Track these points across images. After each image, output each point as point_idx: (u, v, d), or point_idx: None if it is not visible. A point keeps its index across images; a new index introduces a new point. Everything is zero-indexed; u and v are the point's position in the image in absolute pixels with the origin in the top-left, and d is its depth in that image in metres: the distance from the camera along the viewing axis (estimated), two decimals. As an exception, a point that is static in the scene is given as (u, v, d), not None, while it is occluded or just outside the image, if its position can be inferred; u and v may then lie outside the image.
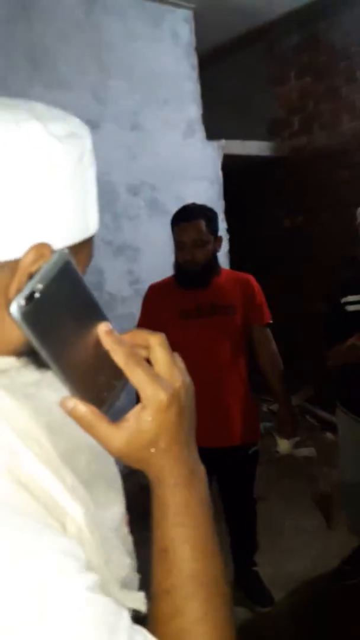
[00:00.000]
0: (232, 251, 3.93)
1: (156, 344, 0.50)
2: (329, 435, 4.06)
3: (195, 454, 0.52)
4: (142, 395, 0.47)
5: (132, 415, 0.47)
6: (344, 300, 2.12)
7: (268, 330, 2.21)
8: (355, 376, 2.07)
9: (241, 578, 2.42)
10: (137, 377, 0.46)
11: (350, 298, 2.10)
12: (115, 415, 0.48)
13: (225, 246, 3.85)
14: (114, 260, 3.26)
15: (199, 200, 3.73)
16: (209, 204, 3.82)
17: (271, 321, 2.20)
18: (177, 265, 2.10)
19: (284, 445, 2.20)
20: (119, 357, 0.46)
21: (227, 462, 2.17)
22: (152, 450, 0.47)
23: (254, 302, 2.14)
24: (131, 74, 3.32)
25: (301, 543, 2.76)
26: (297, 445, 3.89)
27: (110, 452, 0.47)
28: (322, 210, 4.25)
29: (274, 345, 2.22)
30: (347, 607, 2.29)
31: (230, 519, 2.35)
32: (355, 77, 3.79)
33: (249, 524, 2.37)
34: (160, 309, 2.13)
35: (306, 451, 3.83)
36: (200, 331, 2.06)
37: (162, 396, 0.47)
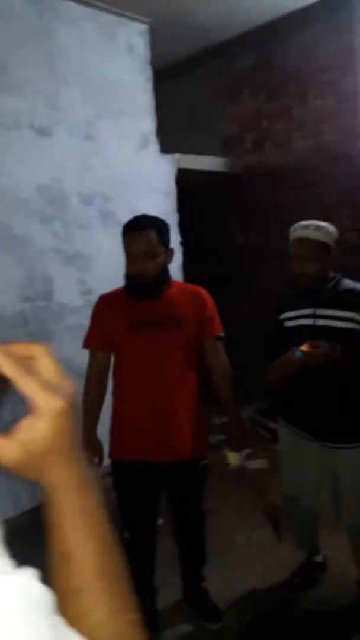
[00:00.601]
0: (185, 265, 3.93)
1: (41, 354, 0.50)
2: (279, 448, 4.10)
3: (83, 458, 0.53)
4: (36, 403, 0.46)
5: (25, 425, 0.46)
6: (283, 316, 2.14)
7: (219, 343, 2.19)
8: (294, 390, 2.08)
9: (189, 594, 2.36)
10: (28, 386, 0.46)
11: (288, 314, 2.12)
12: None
13: (178, 259, 3.86)
14: (64, 270, 3.19)
15: (153, 213, 3.72)
16: (163, 216, 3.86)
17: (222, 334, 2.18)
18: (127, 277, 2.06)
19: (233, 458, 2.18)
20: (7, 368, 0.46)
21: (176, 476, 2.13)
22: (49, 457, 0.48)
23: (204, 315, 2.12)
24: (85, 83, 3.30)
25: (251, 557, 2.74)
26: (248, 458, 3.90)
27: (2, 463, 0.47)
28: (274, 227, 4.32)
29: (224, 358, 2.20)
30: (298, 621, 2.27)
31: (179, 533, 2.30)
32: (306, 99, 3.91)
33: (199, 538, 2.33)
34: (109, 320, 2.08)
35: (257, 463, 3.84)
36: (150, 343, 2.02)
37: (56, 403, 0.47)
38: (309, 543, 2.44)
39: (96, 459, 2.13)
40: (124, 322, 2.02)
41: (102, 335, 2.09)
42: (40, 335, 3.11)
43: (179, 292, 2.11)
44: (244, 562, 2.68)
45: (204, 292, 2.16)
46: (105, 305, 2.12)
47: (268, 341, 2.28)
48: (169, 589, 2.41)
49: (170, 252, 2.08)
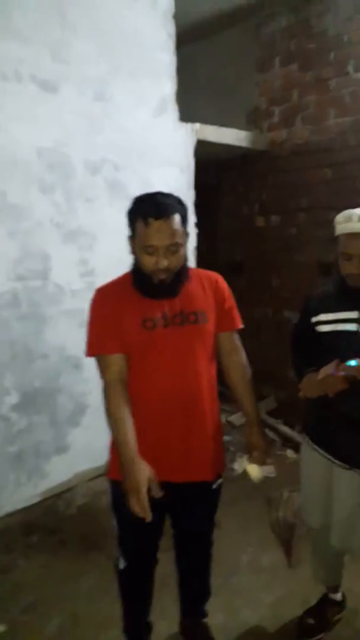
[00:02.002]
0: (199, 249, 3.55)
1: None
2: (290, 453, 3.76)
3: None
4: None
5: None
6: (315, 319, 1.79)
7: (238, 338, 1.85)
8: (331, 409, 1.73)
9: (188, 630, 2.06)
10: None
11: (323, 317, 1.77)
12: None
13: (192, 243, 3.49)
14: (63, 247, 2.82)
15: (167, 188, 3.33)
16: (178, 194, 3.45)
17: (242, 326, 1.83)
18: (138, 270, 1.65)
19: (255, 472, 1.84)
20: None
21: (188, 497, 1.80)
22: None
23: (224, 305, 1.77)
24: (100, 35, 2.89)
25: (258, 584, 2.42)
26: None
27: None
28: (298, 211, 3.94)
29: (244, 355, 1.86)
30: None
31: (181, 562, 1.98)
32: (346, 70, 3.49)
33: (204, 567, 2.01)
34: (118, 318, 1.67)
35: (265, 470, 3.50)
36: (170, 342, 1.66)
37: None
38: (331, 579, 2.11)
39: (151, 489, 1.61)
40: (136, 320, 1.64)
41: (114, 335, 1.65)
42: (34, 319, 2.76)
43: (197, 281, 1.75)
44: (250, 591, 2.37)
45: (221, 280, 1.80)
46: (109, 301, 1.70)
47: (297, 346, 1.94)
48: (164, 623, 2.10)
49: (188, 238, 1.72)
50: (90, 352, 1.68)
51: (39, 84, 2.67)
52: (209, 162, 4.32)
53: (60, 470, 2.94)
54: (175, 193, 3.29)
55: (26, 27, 2.60)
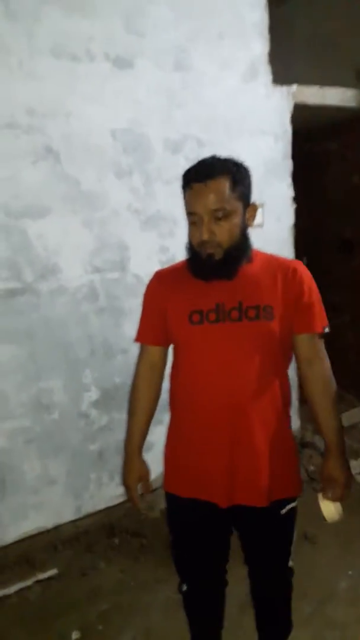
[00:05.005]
0: (297, 227, 3.18)
1: None
2: None
3: None
4: None
5: None
6: None
7: (320, 342, 1.51)
8: None
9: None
10: None
11: None
12: None
13: (289, 219, 3.13)
14: (142, 234, 2.64)
15: (260, 159, 3.04)
16: (272, 165, 3.11)
17: (327, 329, 1.50)
18: (190, 247, 1.46)
19: (329, 510, 1.52)
20: None
21: (247, 521, 1.56)
22: None
23: (301, 301, 1.46)
24: (178, -2, 2.62)
25: (357, 617, 2.10)
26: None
27: None
28: None
29: (327, 365, 1.52)
30: None
31: (255, 593, 1.74)
32: None
33: (279, 600, 1.74)
34: (165, 306, 1.51)
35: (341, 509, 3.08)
36: (220, 341, 1.42)
37: None
38: None
39: (139, 487, 1.64)
40: (184, 310, 1.45)
41: (154, 325, 1.55)
42: (112, 313, 2.63)
43: (264, 268, 1.47)
44: (346, 625, 2.06)
45: (302, 268, 1.49)
46: (161, 286, 1.56)
47: None
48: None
49: (252, 210, 1.44)
50: (135, 338, 1.63)
51: (112, 61, 2.48)
52: (312, 129, 3.87)
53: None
54: (270, 164, 2.99)
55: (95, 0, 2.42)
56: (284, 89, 3.01)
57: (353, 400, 3.75)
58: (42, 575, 2.38)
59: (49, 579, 2.38)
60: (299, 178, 3.14)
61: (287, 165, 3.06)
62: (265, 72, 2.94)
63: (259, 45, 2.91)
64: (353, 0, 3.53)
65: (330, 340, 1.54)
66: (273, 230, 3.02)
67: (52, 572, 2.40)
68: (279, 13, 3.12)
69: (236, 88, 2.85)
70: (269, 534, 1.59)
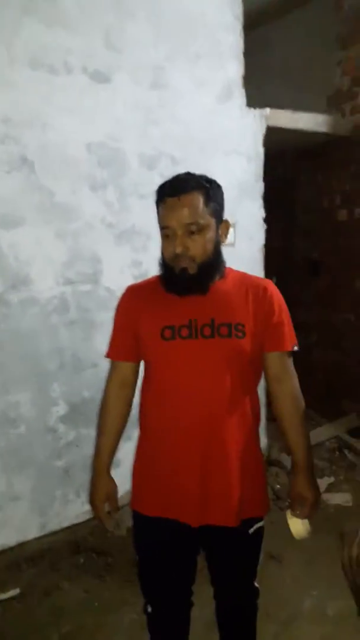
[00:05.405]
0: (268, 246, 3.23)
1: None
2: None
3: None
4: None
5: None
6: None
7: (289, 361, 1.53)
8: None
9: None
10: None
11: None
12: None
13: (260, 238, 3.18)
14: (115, 248, 2.64)
15: (233, 180, 3.08)
16: (245, 185, 3.17)
17: (296, 347, 1.52)
18: (163, 262, 1.46)
19: (297, 527, 1.53)
20: None
21: (215, 541, 1.55)
22: None
23: (271, 319, 1.47)
24: (158, 17, 2.66)
25: (321, 636, 2.10)
26: (328, 490, 3.20)
27: None
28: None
29: (296, 383, 1.54)
30: None
31: (219, 613, 1.71)
32: None
33: (248, 621, 1.72)
34: (137, 321, 1.50)
35: (339, 498, 3.13)
36: (192, 358, 1.42)
37: None
38: None
39: (106, 505, 1.60)
40: (156, 326, 1.44)
41: (126, 341, 1.53)
42: (83, 325, 2.60)
43: (235, 285, 1.48)
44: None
45: (272, 288, 1.51)
46: (133, 301, 1.54)
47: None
48: None
49: (224, 226, 1.46)
50: (106, 353, 1.60)
51: (90, 74, 2.50)
52: (284, 152, 3.96)
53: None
54: (243, 185, 3.03)
55: (76, 14, 2.43)
56: (257, 112, 3.08)
57: (319, 418, 3.80)
58: (3, 596, 2.30)
59: (11, 599, 2.30)
60: (270, 199, 3.21)
61: (259, 186, 3.12)
62: (239, 94, 3.01)
63: (234, 68, 2.97)
64: (327, 29, 3.67)
65: (296, 360, 1.56)
66: (244, 249, 3.06)
67: (14, 592, 2.32)
68: (254, 37, 3.21)
69: (211, 108, 2.90)
70: (237, 553, 1.58)
